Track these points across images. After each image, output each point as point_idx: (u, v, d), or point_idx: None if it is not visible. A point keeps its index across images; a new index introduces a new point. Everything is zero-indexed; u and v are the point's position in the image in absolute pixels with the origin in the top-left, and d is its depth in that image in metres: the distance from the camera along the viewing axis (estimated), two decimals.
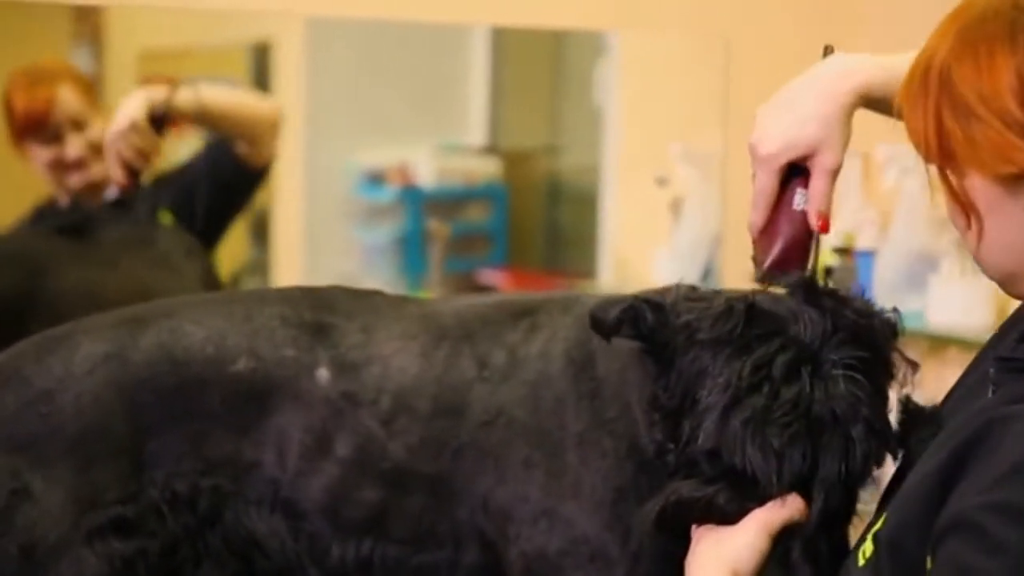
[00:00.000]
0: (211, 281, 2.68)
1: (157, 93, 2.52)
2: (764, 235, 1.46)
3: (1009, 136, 1.14)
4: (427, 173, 4.52)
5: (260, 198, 4.89)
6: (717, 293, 1.45)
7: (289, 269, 4.24)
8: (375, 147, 4.54)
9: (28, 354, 1.64)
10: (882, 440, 1.35)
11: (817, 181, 1.43)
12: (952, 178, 1.22)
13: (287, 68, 4.63)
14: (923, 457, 1.26)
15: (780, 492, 1.32)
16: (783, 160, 1.43)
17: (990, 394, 1.25)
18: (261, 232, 4.88)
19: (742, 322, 1.36)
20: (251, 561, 1.60)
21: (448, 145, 4.67)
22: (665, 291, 1.47)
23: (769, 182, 1.45)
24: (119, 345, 1.61)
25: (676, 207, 3.48)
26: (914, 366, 1.44)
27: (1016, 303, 1.34)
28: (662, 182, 3.43)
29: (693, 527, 1.37)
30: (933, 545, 1.16)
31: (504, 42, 4.77)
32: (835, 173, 1.42)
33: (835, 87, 1.40)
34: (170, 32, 5.17)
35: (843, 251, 3.01)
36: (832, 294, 1.41)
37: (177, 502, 1.59)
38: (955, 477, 1.16)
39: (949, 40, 1.19)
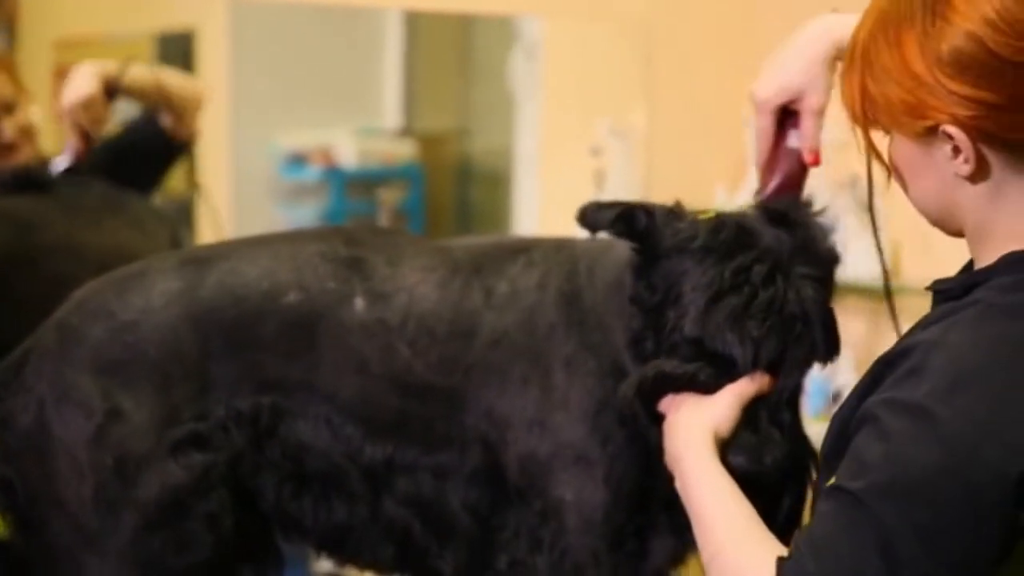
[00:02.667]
0: (177, 245, 2.68)
1: (110, 67, 2.55)
2: (765, 171, 1.64)
3: (920, 95, 1.23)
4: (348, 154, 4.62)
5: (184, 183, 4.90)
6: (698, 212, 1.62)
7: None
8: (297, 130, 4.63)
9: (109, 291, 1.78)
10: (834, 337, 1.57)
11: (806, 121, 1.60)
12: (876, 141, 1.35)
13: (210, 53, 4.65)
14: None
15: (752, 372, 1.50)
16: (775, 103, 1.60)
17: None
18: (184, 216, 4.89)
19: (732, 234, 1.55)
20: (302, 463, 1.76)
21: (367, 128, 4.76)
22: (652, 204, 1.63)
23: (766, 124, 1.62)
24: (189, 283, 1.75)
25: (599, 180, 3.64)
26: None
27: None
28: (596, 151, 3.57)
29: (666, 399, 1.52)
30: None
31: (417, 27, 4.87)
32: (821, 113, 1.59)
33: (817, 40, 1.56)
34: (86, 20, 5.19)
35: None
36: (800, 218, 1.60)
37: (240, 418, 1.74)
38: (870, 392, 1.28)
39: (870, 21, 1.30)
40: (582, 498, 1.69)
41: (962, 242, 1.35)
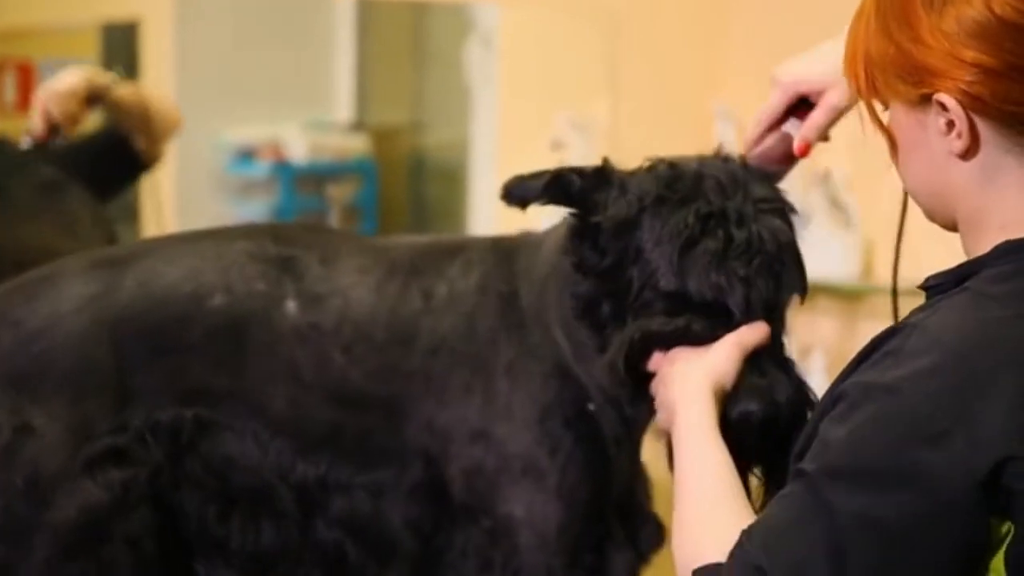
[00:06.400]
0: None
1: (102, 76, 2.55)
2: (753, 146, 1.56)
3: (920, 56, 1.21)
4: (298, 149, 4.56)
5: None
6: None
7: None
8: (245, 123, 4.56)
9: (14, 296, 1.68)
10: (804, 269, 1.50)
11: (818, 113, 1.53)
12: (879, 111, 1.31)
13: (155, 45, 4.62)
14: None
15: (749, 318, 1.44)
16: (797, 88, 1.54)
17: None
18: (127, 212, 4.83)
19: (688, 181, 1.48)
20: (228, 481, 1.67)
21: (317, 121, 4.71)
22: (582, 167, 1.56)
23: (778, 103, 1.56)
24: (103, 286, 1.66)
25: None
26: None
27: None
28: (557, 145, 3.49)
29: (656, 356, 1.46)
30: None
31: (369, 17, 4.82)
32: (838, 111, 1.53)
33: None
34: (27, 10, 5.11)
35: None
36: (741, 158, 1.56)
37: (160, 431, 1.65)
38: (849, 375, 1.25)
39: None
40: (533, 512, 1.64)
41: (941, 242, 1.33)
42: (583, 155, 3.53)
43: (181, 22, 4.44)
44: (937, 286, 1.26)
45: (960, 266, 1.26)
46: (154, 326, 1.65)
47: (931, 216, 1.29)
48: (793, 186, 3.09)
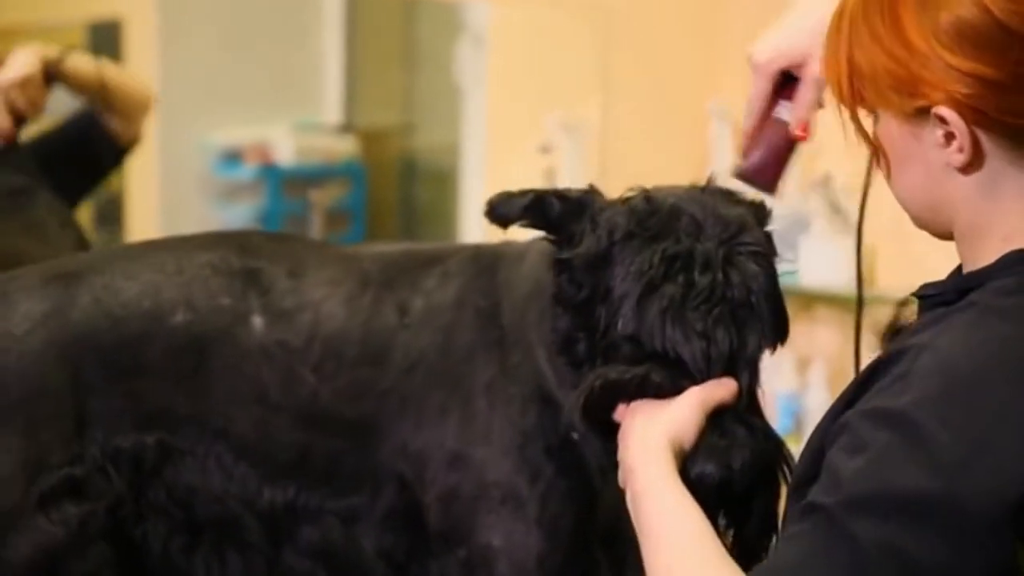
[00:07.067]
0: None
1: (51, 51, 2.48)
2: (751, 140, 1.52)
3: (913, 67, 1.15)
4: (285, 151, 4.50)
5: (112, 180, 4.82)
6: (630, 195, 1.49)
7: None
8: (231, 125, 4.50)
9: None
10: (783, 318, 1.43)
11: (804, 89, 1.48)
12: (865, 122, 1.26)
13: (138, 43, 4.56)
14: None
15: (708, 375, 1.37)
16: (775, 67, 1.48)
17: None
18: (110, 215, 4.78)
19: (662, 216, 1.41)
20: (192, 510, 1.60)
21: (305, 123, 4.65)
22: (567, 190, 1.50)
23: (762, 88, 1.50)
24: (57, 303, 1.59)
25: (550, 177, 3.50)
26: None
27: None
28: (546, 149, 3.43)
29: (620, 408, 1.40)
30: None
31: (358, 15, 4.75)
32: (823, 83, 1.44)
33: (827, 9, 1.37)
34: (14, 8, 5.06)
35: None
36: (741, 199, 1.48)
37: (121, 459, 1.59)
38: (854, 402, 1.20)
39: None
40: (513, 542, 1.56)
41: (943, 248, 1.27)
42: (574, 158, 3.47)
43: (164, 20, 4.38)
44: (934, 296, 1.22)
45: (962, 277, 1.21)
46: (112, 346, 1.58)
47: (923, 226, 1.24)
48: (792, 191, 3.03)
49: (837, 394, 1.24)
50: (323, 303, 1.61)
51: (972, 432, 1.08)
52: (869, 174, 1.35)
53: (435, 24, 4.51)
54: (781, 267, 1.46)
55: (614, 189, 1.48)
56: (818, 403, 2.92)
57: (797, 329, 3.14)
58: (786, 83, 1.49)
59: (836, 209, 2.99)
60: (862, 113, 1.22)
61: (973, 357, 1.11)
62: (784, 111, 1.48)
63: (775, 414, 2.88)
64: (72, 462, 1.56)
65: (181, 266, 1.61)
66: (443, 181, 4.49)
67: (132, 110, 2.54)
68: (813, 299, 3.06)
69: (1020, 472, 1.06)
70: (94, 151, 2.58)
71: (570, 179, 3.41)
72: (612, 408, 1.39)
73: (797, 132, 1.49)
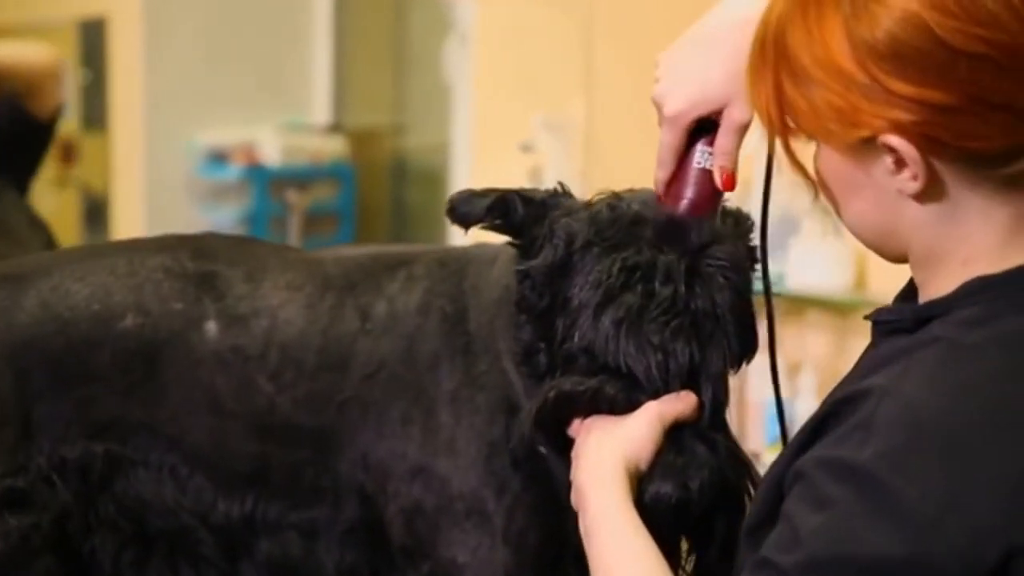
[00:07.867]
0: None
1: None
2: (669, 193, 1.40)
3: (851, 98, 1.05)
4: (272, 152, 4.47)
5: (98, 182, 4.83)
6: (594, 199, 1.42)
7: None
8: (217, 125, 4.47)
9: None
10: (751, 334, 1.37)
11: (723, 138, 1.35)
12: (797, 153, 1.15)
13: (123, 42, 4.55)
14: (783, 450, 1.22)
15: (671, 388, 1.32)
16: (690, 118, 1.34)
17: None
18: (96, 216, 4.78)
19: (623, 223, 1.36)
20: (143, 523, 1.56)
21: (292, 123, 4.63)
22: (532, 191, 1.45)
23: (675, 140, 1.37)
24: (1, 306, 1.54)
25: (536, 176, 3.46)
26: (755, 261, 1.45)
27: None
28: (527, 148, 3.39)
29: (575, 423, 1.36)
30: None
31: (346, 13, 4.73)
32: (744, 128, 1.33)
33: (741, 38, 1.25)
34: (4, 7, 5.06)
35: None
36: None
37: (67, 469, 1.54)
38: (809, 445, 1.13)
39: (781, 3, 1.12)
40: (478, 558, 1.52)
41: None
42: (560, 157, 3.44)
43: (149, 19, 4.37)
44: (890, 322, 1.15)
45: (922, 305, 1.14)
46: (59, 351, 1.53)
47: (877, 251, 1.16)
48: (780, 191, 2.96)
49: None
50: (281, 308, 1.56)
51: (942, 486, 1.00)
52: (770, 164, 1.29)
53: (424, 24, 4.48)
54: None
55: (600, 188, 1.42)
56: (808, 410, 2.86)
57: (786, 333, 3.08)
58: (700, 128, 1.36)
59: (825, 210, 2.92)
60: (799, 142, 1.11)
61: (940, 404, 1.04)
62: (703, 158, 1.36)
63: (764, 422, 2.83)
64: (15, 472, 1.51)
65: (133, 268, 1.57)
66: (433, 181, 4.46)
67: (41, 81, 2.51)
68: (802, 303, 3.00)
69: (997, 531, 0.99)
70: (22, 134, 2.56)
71: (556, 178, 3.36)
72: (567, 421, 1.35)
73: (723, 183, 1.36)
